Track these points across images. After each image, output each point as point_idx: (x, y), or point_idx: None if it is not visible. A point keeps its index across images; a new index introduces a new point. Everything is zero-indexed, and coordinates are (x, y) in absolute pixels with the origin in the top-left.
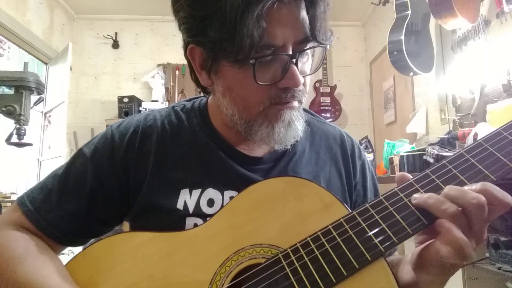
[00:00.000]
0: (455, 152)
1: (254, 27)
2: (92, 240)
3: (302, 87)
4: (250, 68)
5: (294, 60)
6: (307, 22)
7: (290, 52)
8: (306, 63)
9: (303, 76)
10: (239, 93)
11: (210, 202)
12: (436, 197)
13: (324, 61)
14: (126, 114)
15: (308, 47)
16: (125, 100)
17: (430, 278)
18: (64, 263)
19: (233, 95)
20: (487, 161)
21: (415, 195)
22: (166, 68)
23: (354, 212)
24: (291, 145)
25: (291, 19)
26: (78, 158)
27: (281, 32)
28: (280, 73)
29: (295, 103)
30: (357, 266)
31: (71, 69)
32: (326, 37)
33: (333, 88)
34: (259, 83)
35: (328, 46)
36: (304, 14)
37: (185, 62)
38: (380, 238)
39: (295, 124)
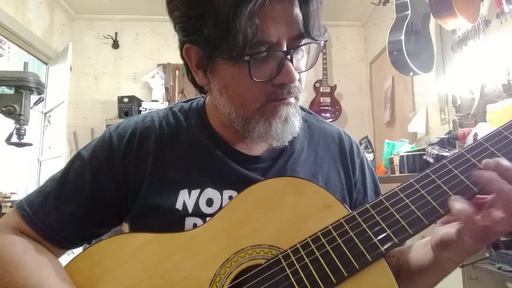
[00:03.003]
0: (455, 151)
1: (247, 23)
2: (92, 241)
3: (298, 84)
4: (245, 65)
5: (289, 57)
6: (301, 18)
7: (285, 49)
8: (301, 60)
9: (299, 73)
10: (235, 90)
11: (209, 202)
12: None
13: (324, 61)
14: (126, 114)
15: (302, 43)
16: (125, 100)
17: (452, 256)
18: (64, 264)
19: (229, 93)
20: None
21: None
22: (166, 68)
23: (354, 213)
24: (289, 143)
25: (284, 16)
26: (76, 160)
27: (275, 28)
28: (275, 70)
29: (292, 100)
30: (357, 266)
31: (71, 69)
32: (320, 33)
33: (333, 88)
34: (255, 79)
35: (322, 43)
36: (297, 10)
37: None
38: (380, 239)
39: (291, 120)
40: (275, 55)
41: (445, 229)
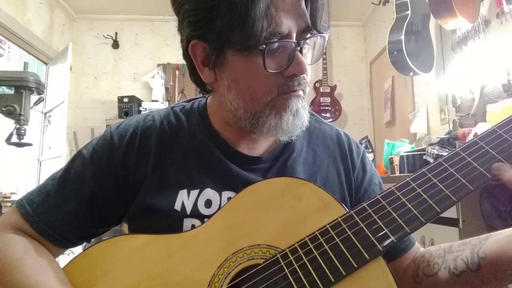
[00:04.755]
0: (451, 150)
1: (264, 13)
2: (92, 241)
3: (306, 76)
4: (258, 56)
5: (299, 48)
6: (308, 12)
7: (295, 40)
8: (307, 54)
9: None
10: (246, 84)
11: (208, 203)
12: None
13: (324, 61)
14: (126, 114)
15: (309, 36)
16: (125, 100)
17: None
18: (64, 264)
19: (239, 87)
20: (482, 159)
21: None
22: (166, 68)
23: (352, 212)
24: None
25: (294, 8)
26: (76, 160)
27: (286, 20)
28: (286, 61)
29: (301, 92)
30: (355, 265)
31: (71, 69)
32: (325, 27)
33: (333, 88)
34: (269, 70)
35: (327, 37)
36: (304, 4)
37: (185, 62)
38: (378, 237)
39: (301, 113)
40: (286, 46)
41: None
